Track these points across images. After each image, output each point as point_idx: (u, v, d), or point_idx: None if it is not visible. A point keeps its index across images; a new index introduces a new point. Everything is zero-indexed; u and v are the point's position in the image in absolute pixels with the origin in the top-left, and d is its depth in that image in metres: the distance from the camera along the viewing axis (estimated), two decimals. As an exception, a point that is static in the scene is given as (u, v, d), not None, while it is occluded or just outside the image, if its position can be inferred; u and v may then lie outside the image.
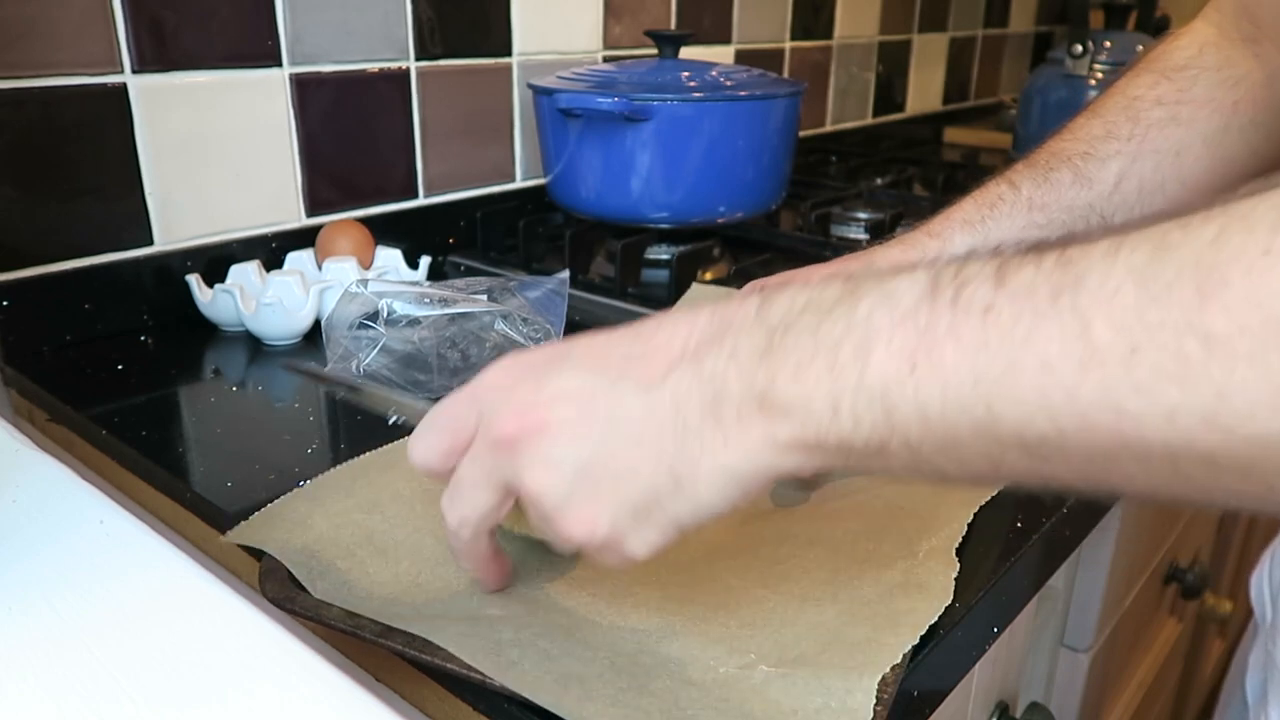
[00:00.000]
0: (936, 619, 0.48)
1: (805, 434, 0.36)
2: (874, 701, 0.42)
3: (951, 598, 0.50)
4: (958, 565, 0.52)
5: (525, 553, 0.53)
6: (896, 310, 0.34)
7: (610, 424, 0.40)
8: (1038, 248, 0.32)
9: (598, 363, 0.42)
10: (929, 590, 0.50)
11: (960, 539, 0.54)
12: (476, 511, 0.45)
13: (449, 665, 0.44)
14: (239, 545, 0.58)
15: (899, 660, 0.45)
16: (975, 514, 0.57)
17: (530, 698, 0.42)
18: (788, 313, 0.37)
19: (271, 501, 0.57)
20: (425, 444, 0.46)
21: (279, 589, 0.49)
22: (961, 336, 0.33)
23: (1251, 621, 0.76)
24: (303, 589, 0.50)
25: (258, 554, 0.53)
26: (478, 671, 0.43)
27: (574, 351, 0.43)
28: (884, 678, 0.44)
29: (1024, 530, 0.59)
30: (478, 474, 0.44)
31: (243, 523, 0.55)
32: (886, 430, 0.34)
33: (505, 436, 0.42)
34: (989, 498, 0.59)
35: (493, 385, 0.44)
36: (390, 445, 0.64)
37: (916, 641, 0.46)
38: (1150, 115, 0.68)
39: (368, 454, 0.62)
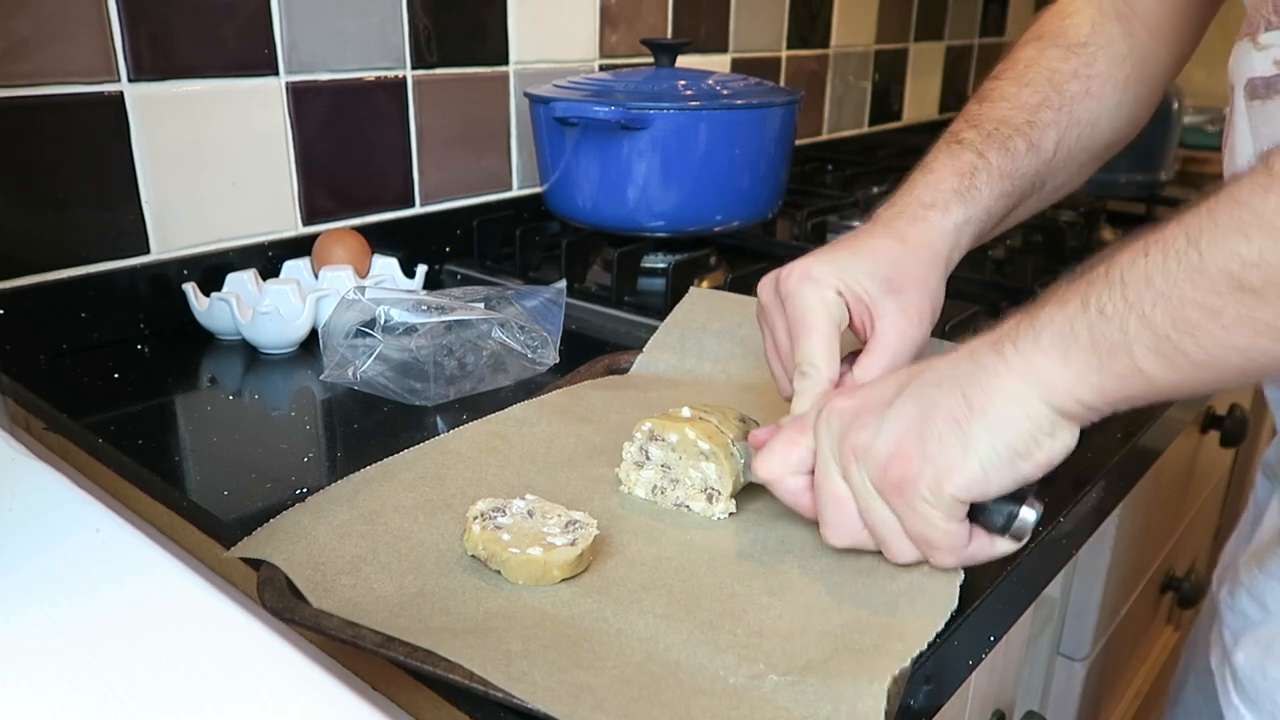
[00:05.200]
0: (943, 625, 0.48)
1: (1062, 334, 0.46)
2: (883, 707, 0.42)
3: (956, 604, 0.50)
4: (962, 574, 0.52)
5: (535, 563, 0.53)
6: (1144, 237, 0.44)
7: (916, 382, 0.51)
8: None
9: (917, 364, 0.53)
10: (933, 598, 0.50)
11: None
12: (843, 499, 0.53)
13: (451, 675, 0.44)
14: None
15: (906, 665, 0.45)
16: None
17: (544, 709, 0.42)
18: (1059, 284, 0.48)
19: (268, 510, 0.57)
20: (765, 452, 0.56)
21: (278, 598, 0.49)
22: (1183, 219, 0.43)
23: (1206, 607, 0.77)
24: (302, 598, 0.50)
25: (255, 563, 0.53)
26: (481, 681, 0.43)
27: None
28: (895, 677, 0.44)
29: (1020, 539, 0.59)
30: (824, 462, 0.53)
31: (246, 538, 0.54)
32: (1123, 306, 0.44)
33: (836, 409, 0.53)
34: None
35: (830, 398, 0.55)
36: (390, 458, 0.64)
37: (924, 648, 0.46)
38: (1070, 88, 0.71)
39: (369, 467, 0.62)
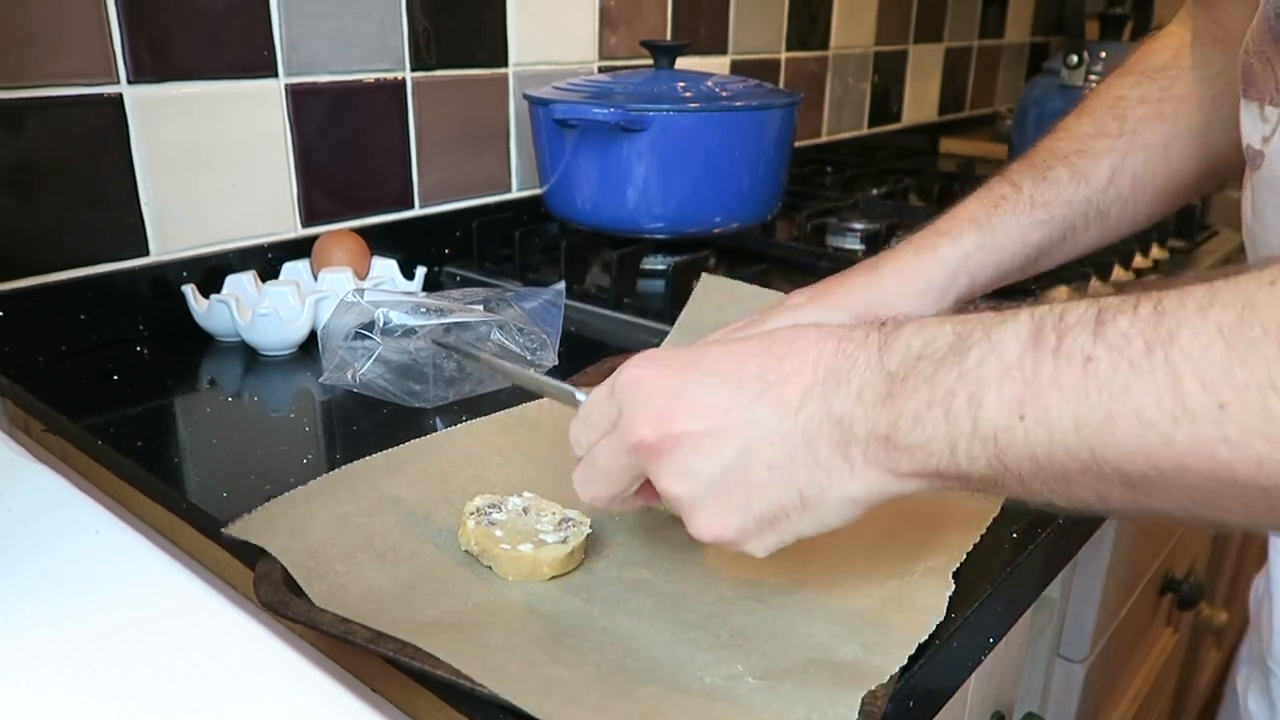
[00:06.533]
0: (926, 637, 0.48)
1: (925, 468, 0.40)
2: (856, 716, 0.42)
3: (944, 615, 0.50)
4: (952, 585, 0.52)
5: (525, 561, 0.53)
6: (1003, 360, 0.37)
7: (745, 445, 0.44)
8: (1134, 296, 0.35)
9: (733, 378, 0.45)
10: (921, 607, 0.50)
11: (959, 564, 0.54)
12: (609, 493, 0.49)
13: (437, 671, 0.44)
14: (235, 555, 0.58)
15: (885, 680, 0.45)
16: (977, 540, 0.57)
17: (514, 702, 0.42)
18: (905, 358, 0.41)
19: (267, 511, 0.57)
20: (575, 436, 0.51)
21: (272, 593, 0.49)
22: (1064, 386, 0.35)
23: (1249, 622, 0.77)
24: (298, 595, 0.50)
25: (253, 562, 0.53)
26: (465, 677, 0.43)
27: (708, 361, 0.47)
28: (873, 690, 0.44)
29: (1020, 541, 0.59)
30: (613, 465, 0.48)
31: (245, 516, 0.55)
32: (1000, 468, 0.38)
33: (642, 443, 0.45)
34: (990, 522, 0.58)
35: (631, 384, 0.47)
36: (394, 449, 0.64)
37: (905, 662, 0.46)
38: (1135, 113, 0.70)
39: (372, 456, 0.63)
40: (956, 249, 0.68)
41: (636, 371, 0.48)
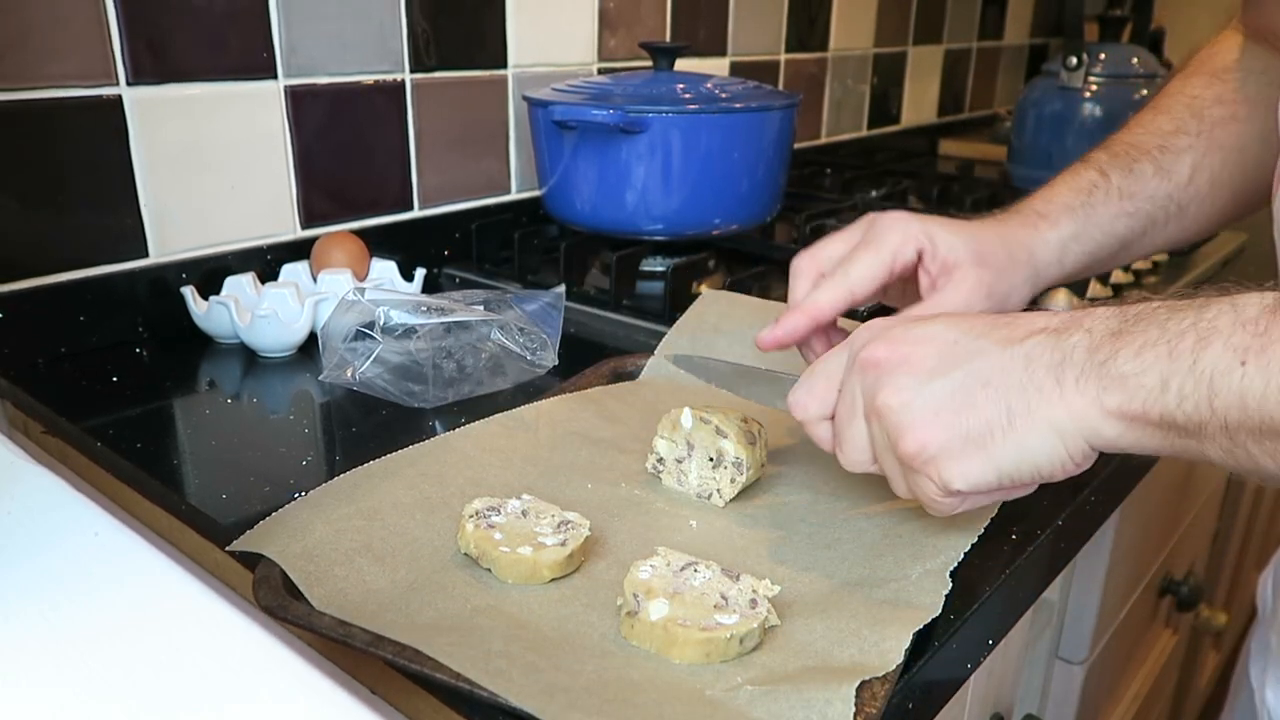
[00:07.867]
0: (922, 626, 0.48)
1: (1132, 404, 0.44)
2: (852, 709, 0.42)
3: (940, 611, 0.50)
4: (949, 584, 0.52)
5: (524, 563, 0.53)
6: (1240, 317, 0.41)
7: (965, 367, 0.48)
8: None
9: (964, 323, 0.50)
10: (917, 607, 0.50)
11: (955, 565, 0.54)
12: (860, 441, 0.52)
13: (438, 675, 0.44)
14: (234, 558, 0.58)
15: (882, 675, 0.45)
16: (972, 544, 0.57)
17: (515, 703, 0.42)
18: (1145, 308, 0.45)
19: (266, 513, 0.57)
20: (804, 390, 0.55)
21: (272, 596, 0.49)
22: None
23: (1256, 616, 0.77)
24: (297, 598, 0.50)
25: (253, 565, 0.53)
26: (466, 680, 0.43)
27: (941, 318, 0.52)
28: (872, 690, 0.44)
29: (1019, 543, 0.59)
30: (849, 405, 0.52)
31: (246, 533, 0.55)
32: (1207, 412, 0.41)
33: (873, 360, 0.50)
34: (984, 528, 0.58)
35: (866, 331, 0.53)
36: (393, 454, 0.64)
37: (902, 660, 0.46)
38: (1212, 113, 0.71)
39: (371, 462, 0.63)
40: (1054, 235, 0.68)
41: (871, 325, 0.54)
